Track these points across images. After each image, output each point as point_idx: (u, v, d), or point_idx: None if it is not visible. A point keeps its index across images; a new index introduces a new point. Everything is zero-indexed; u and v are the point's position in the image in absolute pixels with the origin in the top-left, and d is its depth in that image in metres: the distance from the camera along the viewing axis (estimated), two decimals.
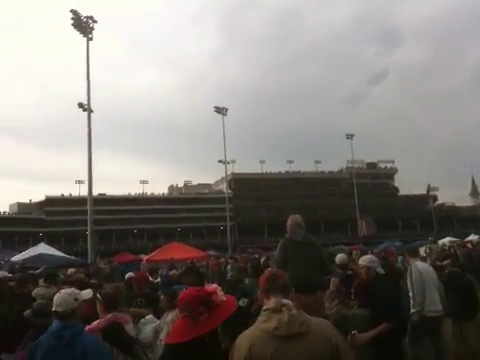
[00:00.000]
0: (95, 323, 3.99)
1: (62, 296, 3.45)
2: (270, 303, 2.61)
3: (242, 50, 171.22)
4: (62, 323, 3.36)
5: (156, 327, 4.68)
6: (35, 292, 6.40)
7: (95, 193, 44.32)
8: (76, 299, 3.49)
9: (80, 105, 38.87)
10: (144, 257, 22.57)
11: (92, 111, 37.51)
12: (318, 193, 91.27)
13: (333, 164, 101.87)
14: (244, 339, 2.53)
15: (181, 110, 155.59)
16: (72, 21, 38.07)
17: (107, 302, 4.20)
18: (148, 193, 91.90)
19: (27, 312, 4.41)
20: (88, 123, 36.23)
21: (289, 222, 5.93)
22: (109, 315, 4.09)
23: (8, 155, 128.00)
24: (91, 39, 39.14)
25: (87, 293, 4.14)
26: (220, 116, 57.84)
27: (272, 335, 2.46)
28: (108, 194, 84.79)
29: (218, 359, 2.59)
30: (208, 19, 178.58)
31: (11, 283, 7.61)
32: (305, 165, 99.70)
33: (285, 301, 2.59)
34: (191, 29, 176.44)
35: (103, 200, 76.19)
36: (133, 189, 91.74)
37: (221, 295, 2.72)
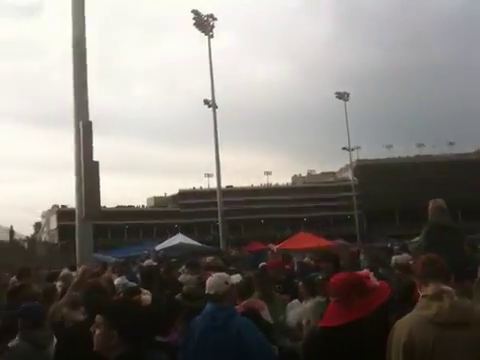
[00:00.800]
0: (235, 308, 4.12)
1: (214, 280, 3.62)
2: (428, 289, 2.48)
3: (361, 32, 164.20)
4: (215, 305, 3.51)
5: (300, 313, 4.72)
6: (181, 278, 6.88)
7: (223, 185, 46.06)
8: (226, 282, 3.63)
9: (205, 102, 40.59)
10: (273, 246, 22.91)
11: (217, 107, 38.98)
12: (453, 177, 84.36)
13: (470, 145, 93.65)
14: (402, 325, 2.44)
15: (301, 98, 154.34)
16: (194, 21, 39.88)
17: (242, 289, 4.32)
18: (272, 184, 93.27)
19: (178, 296, 4.70)
20: (214, 119, 37.77)
21: (431, 206, 5.59)
22: (244, 301, 4.20)
23: (141, 153, 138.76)
24: (212, 36, 40.63)
25: (236, 278, 4.31)
26: (342, 102, 56.47)
27: (432, 322, 2.34)
28: (235, 186, 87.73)
29: (371, 345, 2.52)
30: (323, 3, 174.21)
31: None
32: (437, 148, 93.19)
33: (445, 287, 2.45)
34: (306, 16, 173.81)
35: (231, 192, 78.99)
36: (258, 180, 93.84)
37: (374, 280, 2.66)
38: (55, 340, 3.54)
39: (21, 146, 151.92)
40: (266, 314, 4.33)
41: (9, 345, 3.42)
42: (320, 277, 5.55)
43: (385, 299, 2.59)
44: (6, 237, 8.56)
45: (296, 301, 5.04)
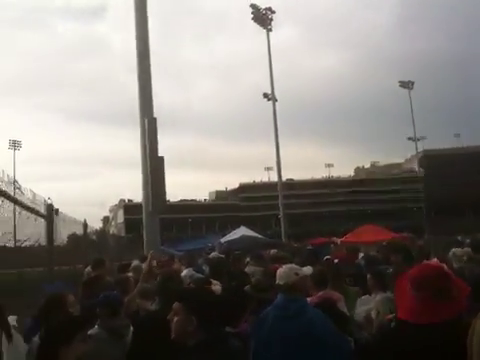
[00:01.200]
0: (308, 298, 4.08)
1: (284, 270, 3.60)
2: None
3: (425, 19, 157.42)
4: (286, 296, 3.50)
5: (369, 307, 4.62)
6: (247, 269, 6.90)
7: (283, 178, 45.89)
8: (296, 274, 3.60)
9: (265, 95, 40.54)
10: (336, 239, 22.56)
11: (276, 100, 38.82)
12: None
13: None
14: None
15: (364, 88, 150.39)
16: (252, 15, 39.88)
17: (317, 280, 4.27)
18: (334, 176, 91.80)
19: (247, 287, 4.72)
20: (273, 112, 37.64)
21: None
22: (321, 292, 4.15)
23: (203, 148, 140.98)
24: (271, 30, 40.47)
25: (308, 269, 4.28)
26: (406, 91, 54.53)
27: None
28: (295, 179, 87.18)
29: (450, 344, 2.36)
30: None
31: None
32: None
33: None
34: (367, 3, 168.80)
35: (291, 185, 78.64)
36: (319, 173, 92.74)
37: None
38: (132, 329, 3.66)
39: (91, 144, 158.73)
40: (342, 306, 4.27)
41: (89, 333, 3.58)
42: (390, 270, 5.41)
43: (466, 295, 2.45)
44: (80, 230, 8.99)
45: (367, 296, 4.92)
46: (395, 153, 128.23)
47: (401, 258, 5.20)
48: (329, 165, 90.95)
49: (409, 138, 59.22)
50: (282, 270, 3.62)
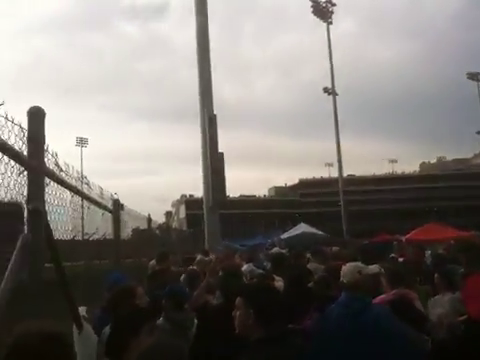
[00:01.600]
0: (380, 297, 3.97)
1: (348, 268, 3.53)
2: None
3: None
4: (349, 294, 3.43)
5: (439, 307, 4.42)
6: (309, 266, 6.81)
7: (344, 174, 45.07)
8: (360, 272, 3.51)
9: (325, 90, 39.94)
10: (401, 237, 21.87)
11: (337, 94, 38.17)
12: None
13: None
14: None
15: (427, 80, 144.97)
16: (312, 8, 39.36)
17: (391, 277, 4.13)
18: (398, 172, 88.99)
19: (310, 284, 4.66)
20: (334, 106, 37.03)
21: None
22: (395, 290, 4.01)
23: (263, 144, 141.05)
24: (331, 23, 39.78)
25: (374, 268, 4.15)
26: (474, 83, 51.85)
27: None
28: (357, 175, 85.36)
29: None
30: None
31: None
32: None
33: None
34: None
35: (352, 181, 77.05)
36: (382, 169, 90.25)
37: None
38: (196, 322, 3.70)
39: (153, 141, 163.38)
40: (419, 304, 4.13)
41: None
42: (462, 270, 5.15)
43: None
44: (144, 224, 9.28)
45: (440, 296, 4.72)
46: (463, 148, 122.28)
47: (472, 257, 4.94)
48: (392, 161, 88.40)
49: (478, 132, 56.17)
50: (346, 268, 3.55)
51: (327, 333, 3.42)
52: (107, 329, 3.05)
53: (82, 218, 4.95)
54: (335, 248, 12.42)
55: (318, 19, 39.56)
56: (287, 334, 2.63)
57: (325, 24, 39.22)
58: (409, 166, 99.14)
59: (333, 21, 39.72)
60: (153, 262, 6.90)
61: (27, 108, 2.72)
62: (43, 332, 1.75)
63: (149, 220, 9.39)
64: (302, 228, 21.44)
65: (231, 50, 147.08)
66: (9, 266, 2.31)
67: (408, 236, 19.05)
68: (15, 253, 2.38)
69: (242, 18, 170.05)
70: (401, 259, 8.17)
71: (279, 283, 4.19)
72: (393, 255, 10.15)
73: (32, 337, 1.71)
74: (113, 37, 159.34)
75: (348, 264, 3.64)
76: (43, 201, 2.78)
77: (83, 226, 5.13)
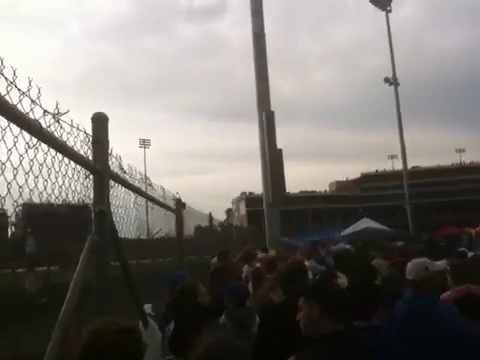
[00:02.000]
0: (446, 294, 3.81)
1: (413, 265, 3.44)
2: None
3: None
4: (415, 291, 3.34)
5: None
6: (373, 262, 6.66)
7: (409, 166, 43.56)
8: (426, 269, 3.41)
9: (386, 80, 38.80)
10: (471, 230, 20.92)
11: (398, 84, 37.00)
12: None
13: None
14: None
15: None
16: None
17: (456, 273, 3.95)
18: (466, 162, 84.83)
19: (377, 280, 4.55)
20: (396, 97, 35.91)
21: None
22: (462, 286, 3.83)
23: (322, 138, 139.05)
24: (390, 11, 38.55)
25: (441, 264, 3.99)
26: None
27: None
28: (423, 166, 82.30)
29: None
30: None
31: None
32: None
33: None
34: None
35: (417, 173, 74.33)
36: (448, 159, 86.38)
37: None
38: (258, 320, 3.71)
39: (213, 139, 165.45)
40: None
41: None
42: None
43: None
44: (205, 222, 9.47)
45: None
46: None
47: None
48: (460, 150, 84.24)
49: None
50: (411, 264, 3.46)
51: (393, 331, 3.34)
52: (171, 326, 3.13)
53: (146, 218, 5.12)
54: (400, 243, 12.06)
55: (376, 8, 38.52)
56: (354, 331, 2.59)
57: (384, 12, 38.10)
58: (478, 155, 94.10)
59: (392, 9, 38.54)
60: (215, 259, 7.01)
61: (91, 114, 2.85)
62: (118, 327, 1.84)
63: (210, 218, 9.55)
64: (365, 223, 20.98)
65: (288, 43, 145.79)
66: (78, 266, 2.43)
67: (478, 229, 18.22)
68: (83, 253, 2.50)
69: (298, 11, 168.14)
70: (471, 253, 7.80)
71: (342, 280, 4.12)
72: (463, 249, 9.71)
73: (108, 332, 1.80)
74: (171, 39, 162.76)
75: (414, 260, 3.55)
76: (108, 203, 2.90)
77: (148, 225, 5.30)
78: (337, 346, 2.35)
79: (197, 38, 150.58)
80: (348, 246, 10.00)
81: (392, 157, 75.28)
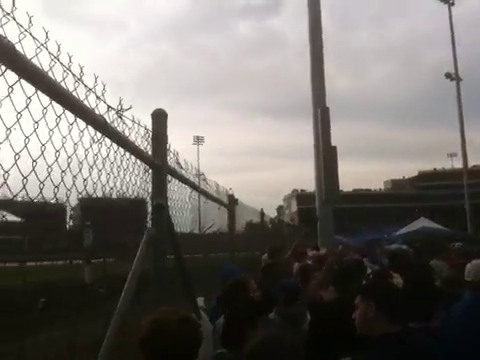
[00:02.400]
0: None
1: (472, 267, 3.34)
2: None
3: None
4: (474, 293, 3.25)
5: None
6: (432, 263, 6.46)
7: (469, 165, 41.73)
8: None
9: (447, 75, 37.32)
10: None
11: (461, 79, 35.54)
12: None
13: None
14: None
15: None
16: None
17: None
18: None
19: (438, 282, 4.42)
20: (457, 92, 34.52)
21: None
22: None
23: (378, 135, 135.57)
24: (453, 4, 37.00)
25: None
26: None
27: None
28: None
29: None
30: None
31: None
32: None
33: None
34: None
35: (478, 172, 71.03)
36: None
37: None
38: (309, 317, 3.69)
39: (266, 136, 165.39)
40: None
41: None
42: None
43: None
44: (256, 218, 9.50)
45: None
46: None
47: None
48: None
49: None
50: (471, 265, 3.35)
51: (453, 333, 3.27)
52: (221, 319, 3.18)
53: (199, 212, 5.21)
54: (458, 244, 11.61)
55: (438, 1, 37.10)
56: (411, 332, 2.54)
57: (446, 5, 36.62)
58: None
59: (455, 1, 36.96)
60: (265, 256, 7.01)
61: (147, 112, 2.93)
62: (179, 316, 1.95)
63: (262, 214, 9.57)
64: (422, 223, 20.31)
65: (346, 39, 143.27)
66: (135, 258, 2.52)
67: None
68: (141, 246, 2.59)
69: (357, 5, 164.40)
70: None
71: (397, 280, 4.03)
72: None
73: (170, 321, 1.91)
74: (227, 36, 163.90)
75: (473, 262, 3.44)
76: (166, 197, 2.97)
77: (199, 220, 5.39)
78: (394, 347, 2.30)
79: (252, 35, 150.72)
80: (404, 246, 9.71)
81: (451, 155, 72.37)
